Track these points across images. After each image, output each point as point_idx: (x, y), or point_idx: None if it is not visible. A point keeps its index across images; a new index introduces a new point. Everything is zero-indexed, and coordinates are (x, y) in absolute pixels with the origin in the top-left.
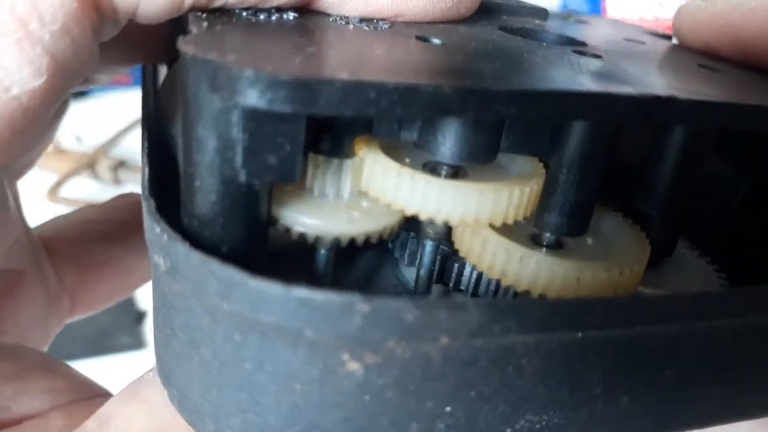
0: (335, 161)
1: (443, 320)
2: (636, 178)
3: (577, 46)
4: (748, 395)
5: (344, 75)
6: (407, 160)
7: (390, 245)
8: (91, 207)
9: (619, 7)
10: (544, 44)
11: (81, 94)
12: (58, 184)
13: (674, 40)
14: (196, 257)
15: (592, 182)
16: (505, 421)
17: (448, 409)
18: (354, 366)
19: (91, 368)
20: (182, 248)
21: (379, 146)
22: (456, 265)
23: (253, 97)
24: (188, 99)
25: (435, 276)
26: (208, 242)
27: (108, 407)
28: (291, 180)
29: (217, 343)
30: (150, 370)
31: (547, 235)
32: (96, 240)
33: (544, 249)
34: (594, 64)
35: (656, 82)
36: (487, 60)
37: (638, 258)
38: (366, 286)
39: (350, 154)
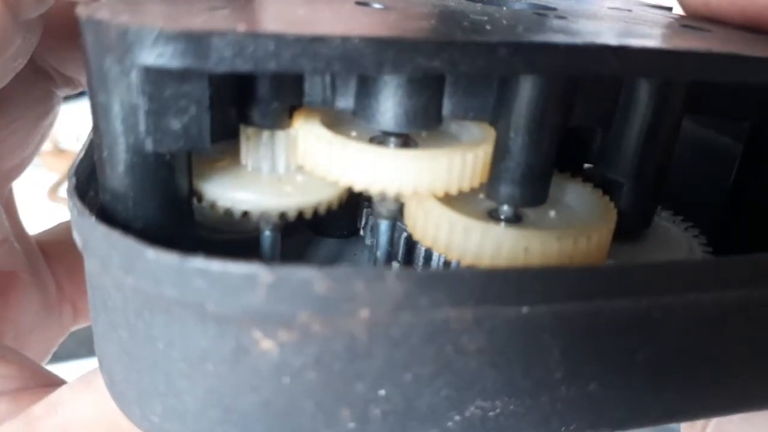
0: (266, 133)
1: (360, 291)
2: (602, 143)
3: (543, 10)
4: (736, 384)
5: (242, 27)
6: (353, 134)
7: (362, 232)
8: None
9: None
10: (504, 8)
11: (80, 94)
12: (58, 184)
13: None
14: (100, 230)
15: (544, 145)
16: (452, 407)
17: (382, 392)
18: (268, 344)
19: (86, 371)
20: (89, 222)
21: (320, 119)
22: (423, 249)
23: (142, 55)
24: (88, 65)
25: (400, 259)
26: (121, 218)
27: (58, 394)
28: (201, 147)
29: (131, 322)
30: None
31: (504, 208)
32: None
33: (502, 224)
34: (551, 23)
35: (619, 38)
36: (423, 20)
37: (599, 227)
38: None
39: (285, 125)
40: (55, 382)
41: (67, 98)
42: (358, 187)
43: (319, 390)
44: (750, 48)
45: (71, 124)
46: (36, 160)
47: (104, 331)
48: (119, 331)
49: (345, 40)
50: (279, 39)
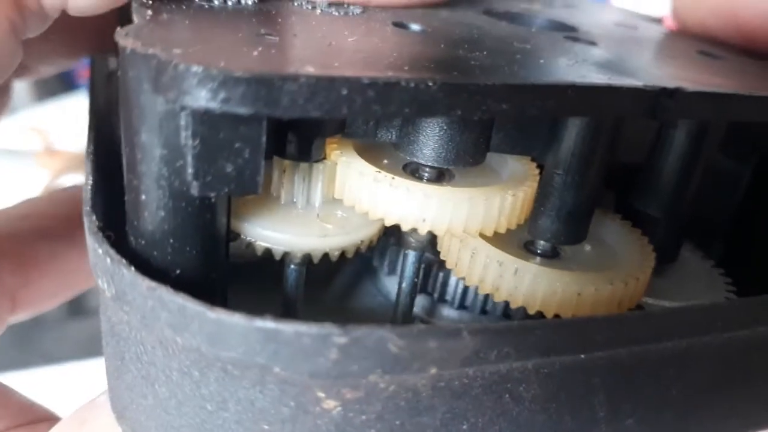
0: (304, 165)
1: (433, 350)
2: (638, 178)
3: (569, 32)
4: (757, 407)
5: (310, 69)
6: (385, 162)
7: (375, 262)
8: (32, 201)
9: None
10: (533, 29)
11: (72, 91)
12: (52, 184)
13: (667, 22)
14: (144, 284)
15: (591, 184)
16: None
17: None
18: (331, 404)
19: (85, 370)
20: (128, 274)
21: (354, 147)
22: (440, 274)
23: (203, 98)
24: (128, 100)
25: (418, 287)
26: (157, 265)
27: None
28: (252, 191)
29: (173, 380)
30: (102, 393)
31: (542, 243)
32: (37, 236)
33: (538, 258)
34: (589, 52)
35: (659, 73)
36: (473, 49)
37: (643, 267)
38: (343, 299)
39: (321, 156)
40: (45, 417)
41: (59, 96)
42: (405, 226)
43: None
44: None
45: (64, 124)
46: (29, 160)
47: (133, 384)
48: (156, 387)
49: (419, 83)
50: (353, 84)
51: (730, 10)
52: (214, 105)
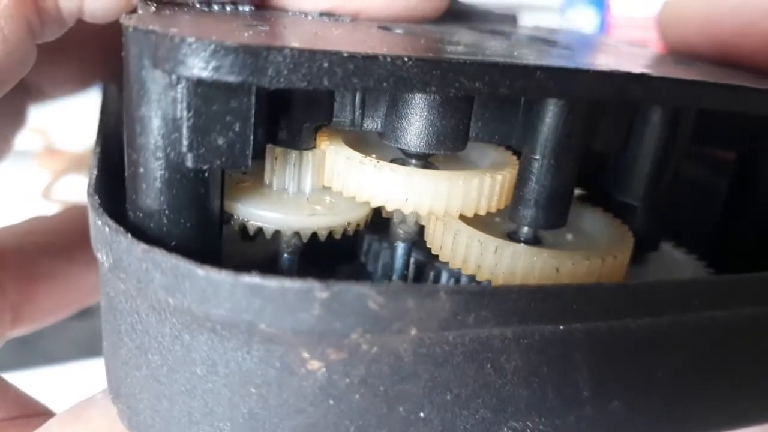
0: (295, 153)
1: (411, 309)
2: (615, 167)
3: (547, 43)
4: (752, 397)
5: (295, 44)
6: (373, 155)
7: (363, 258)
8: (40, 218)
9: (623, 5)
10: (513, 39)
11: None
12: (52, 184)
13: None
14: (139, 248)
15: (567, 168)
16: (486, 429)
17: (422, 414)
18: (315, 364)
19: (85, 370)
20: (124, 240)
21: (343, 138)
22: (432, 273)
23: (197, 67)
24: (129, 76)
25: (409, 281)
26: (154, 236)
27: (47, 428)
28: (241, 165)
29: (165, 346)
30: (101, 391)
31: (524, 229)
32: (42, 252)
33: (522, 245)
34: (564, 53)
35: (628, 65)
36: (451, 43)
37: (621, 247)
38: None
39: (311, 145)
40: (40, 412)
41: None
42: (390, 207)
43: (362, 412)
44: (743, 81)
45: (65, 124)
46: (30, 161)
47: (128, 357)
48: (149, 356)
49: (395, 59)
50: (334, 56)
51: (707, 28)
52: (206, 74)
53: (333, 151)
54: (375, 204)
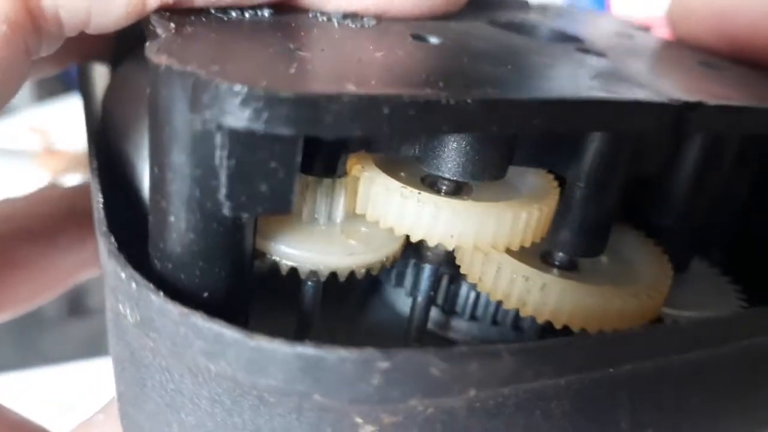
0: (326, 181)
1: (473, 372)
2: (652, 189)
3: (577, 44)
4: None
5: (352, 87)
6: (402, 174)
7: (381, 276)
8: (14, 200)
9: (623, 5)
10: (544, 41)
11: (71, 92)
12: (52, 184)
13: (656, 30)
14: (175, 311)
15: (611, 197)
16: None
17: None
18: (368, 429)
19: (85, 371)
20: (156, 299)
21: (374, 161)
22: (451, 285)
23: (245, 119)
24: (159, 118)
25: (441, 303)
26: (185, 288)
27: None
28: (284, 210)
29: (203, 409)
30: (100, 411)
31: (560, 254)
32: (20, 238)
33: (557, 270)
34: (602, 64)
35: (673, 85)
36: (497, 63)
37: (663, 279)
38: (349, 314)
39: (343, 172)
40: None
41: (59, 96)
42: (432, 242)
43: None
44: None
45: (64, 124)
46: (29, 160)
47: (155, 412)
48: (182, 416)
49: (458, 102)
50: (394, 102)
51: (718, 23)
52: (257, 126)
53: (368, 179)
54: (416, 238)
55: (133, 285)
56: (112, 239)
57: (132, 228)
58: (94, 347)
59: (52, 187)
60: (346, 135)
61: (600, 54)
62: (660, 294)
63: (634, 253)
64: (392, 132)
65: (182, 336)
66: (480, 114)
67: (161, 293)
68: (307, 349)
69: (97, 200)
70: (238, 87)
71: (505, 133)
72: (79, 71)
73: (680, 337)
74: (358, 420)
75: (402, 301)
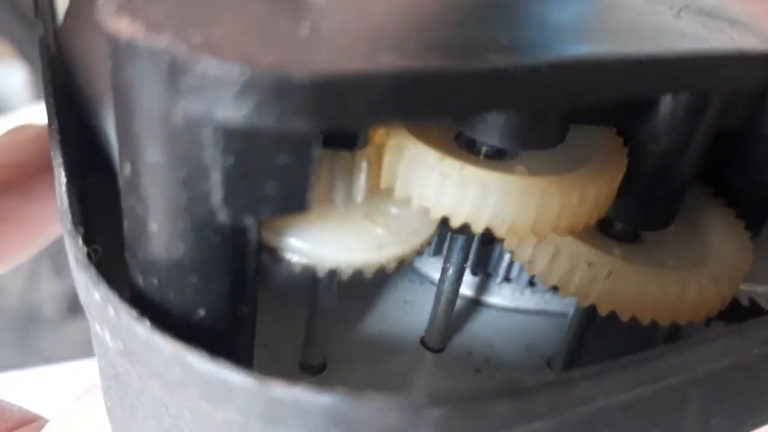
0: (344, 154)
1: (541, 405)
2: (732, 146)
3: None
4: None
5: (390, 59)
6: (435, 134)
7: None
8: None
9: None
10: None
11: None
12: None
13: None
14: (167, 348)
15: (691, 161)
16: None
17: None
18: None
19: (84, 370)
20: (143, 332)
21: (406, 132)
22: (483, 247)
23: (245, 113)
24: (127, 105)
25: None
26: (174, 308)
27: None
28: (299, 210)
29: None
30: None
31: (622, 225)
32: None
33: (618, 250)
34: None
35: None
36: (560, 7)
37: (742, 254)
38: (374, 283)
39: (364, 142)
40: (27, 420)
41: None
42: (478, 228)
43: None
44: None
45: None
46: None
47: None
48: None
49: (534, 68)
50: (453, 77)
51: None
52: (262, 121)
53: (396, 148)
54: (458, 222)
55: (111, 311)
56: (80, 242)
57: (111, 215)
58: (92, 347)
59: (19, 130)
60: (383, 124)
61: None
62: (741, 273)
63: (704, 218)
64: (443, 114)
65: (178, 377)
66: (553, 84)
67: (147, 323)
68: (337, 399)
69: (60, 181)
70: (232, 70)
71: (591, 102)
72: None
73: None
74: None
75: (425, 262)
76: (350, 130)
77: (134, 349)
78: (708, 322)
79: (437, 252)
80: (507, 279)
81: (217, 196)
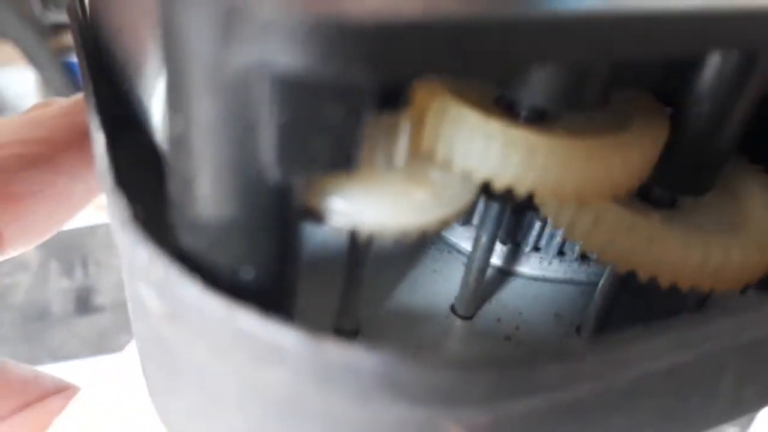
0: (389, 117)
1: (588, 366)
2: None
3: None
4: None
5: (447, 2)
6: (474, 95)
7: None
8: (7, 126)
9: None
10: None
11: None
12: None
13: None
14: (219, 309)
15: (736, 124)
16: None
17: None
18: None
19: (93, 368)
20: (194, 293)
21: (450, 93)
22: (513, 215)
23: (304, 60)
24: (177, 54)
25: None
26: (221, 266)
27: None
28: (347, 169)
29: (252, 415)
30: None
31: (660, 189)
32: (21, 166)
33: (657, 215)
34: None
35: None
36: None
37: None
38: (403, 251)
39: (406, 102)
40: (55, 390)
41: (62, 95)
42: (521, 190)
43: None
44: None
45: None
46: None
47: (192, 403)
48: (226, 413)
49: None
50: (528, 22)
51: None
52: (322, 69)
53: (439, 111)
54: (501, 186)
55: (159, 269)
56: (125, 199)
57: (150, 176)
58: (101, 344)
59: (43, 105)
60: (444, 74)
61: None
62: None
63: (741, 185)
64: (506, 63)
65: (230, 338)
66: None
67: (200, 284)
68: (391, 359)
69: (99, 143)
70: (295, 15)
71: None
72: None
73: None
74: (447, 425)
75: (453, 231)
76: (410, 79)
77: (182, 311)
78: (744, 289)
79: (466, 222)
80: (536, 248)
81: (270, 153)
